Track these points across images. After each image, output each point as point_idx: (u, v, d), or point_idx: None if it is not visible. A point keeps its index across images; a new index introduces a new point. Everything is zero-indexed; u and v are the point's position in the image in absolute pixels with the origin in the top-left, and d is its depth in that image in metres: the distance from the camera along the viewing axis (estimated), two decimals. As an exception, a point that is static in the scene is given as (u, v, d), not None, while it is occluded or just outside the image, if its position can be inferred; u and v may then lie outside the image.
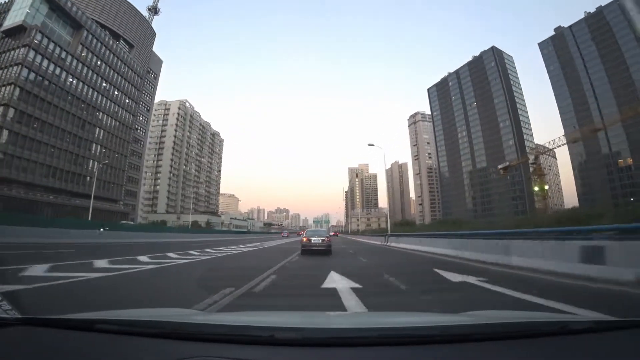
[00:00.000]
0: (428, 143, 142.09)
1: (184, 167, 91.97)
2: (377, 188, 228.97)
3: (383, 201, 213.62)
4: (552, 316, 1.81)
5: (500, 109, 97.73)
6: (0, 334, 1.19)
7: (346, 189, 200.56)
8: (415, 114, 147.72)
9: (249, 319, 1.65)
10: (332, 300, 4.06)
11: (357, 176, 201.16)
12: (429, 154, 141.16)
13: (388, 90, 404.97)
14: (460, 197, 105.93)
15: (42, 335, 1.21)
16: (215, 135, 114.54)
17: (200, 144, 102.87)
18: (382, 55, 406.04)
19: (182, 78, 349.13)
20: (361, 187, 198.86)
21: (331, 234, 21.78)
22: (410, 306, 3.94)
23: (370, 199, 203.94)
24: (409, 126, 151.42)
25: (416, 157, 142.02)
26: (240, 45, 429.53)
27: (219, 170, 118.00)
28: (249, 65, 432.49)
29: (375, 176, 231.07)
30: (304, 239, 12.83)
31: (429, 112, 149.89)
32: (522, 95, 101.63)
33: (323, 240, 12.59)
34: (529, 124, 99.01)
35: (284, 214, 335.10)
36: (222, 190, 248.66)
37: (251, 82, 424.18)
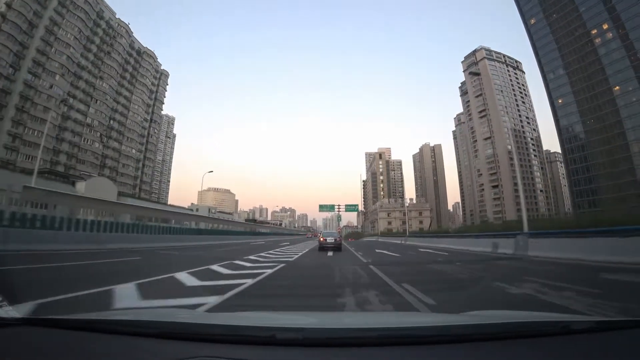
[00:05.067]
0: (501, 91, 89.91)
1: (26, 76, 42.51)
2: (403, 179, 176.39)
3: (411, 194, 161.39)
4: (552, 316, 1.73)
5: None
6: (0, 334, 1.17)
7: (364, 178, 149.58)
8: (476, 50, 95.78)
9: (249, 319, 1.66)
10: None
11: (380, 157, 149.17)
12: (505, 107, 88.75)
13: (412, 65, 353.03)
14: (620, 175, 53.07)
15: (42, 335, 1.18)
16: (143, 53, 65.09)
17: (95, 48, 53.14)
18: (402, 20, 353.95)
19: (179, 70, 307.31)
20: (386, 172, 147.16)
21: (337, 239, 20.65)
22: None
23: (395, 192, 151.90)
24: (464, 71, 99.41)
25: (482, 114, 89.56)
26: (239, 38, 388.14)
27: (151, 120, 67.72)
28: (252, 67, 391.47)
29: (400, 163, 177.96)
30: (321, 239, 17.12)
31: (496, 50, 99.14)
32: None
33: (335, 239, 16.65)
34: None
35: (288, 212, 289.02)
36: (217, 186, 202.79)
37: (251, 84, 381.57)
